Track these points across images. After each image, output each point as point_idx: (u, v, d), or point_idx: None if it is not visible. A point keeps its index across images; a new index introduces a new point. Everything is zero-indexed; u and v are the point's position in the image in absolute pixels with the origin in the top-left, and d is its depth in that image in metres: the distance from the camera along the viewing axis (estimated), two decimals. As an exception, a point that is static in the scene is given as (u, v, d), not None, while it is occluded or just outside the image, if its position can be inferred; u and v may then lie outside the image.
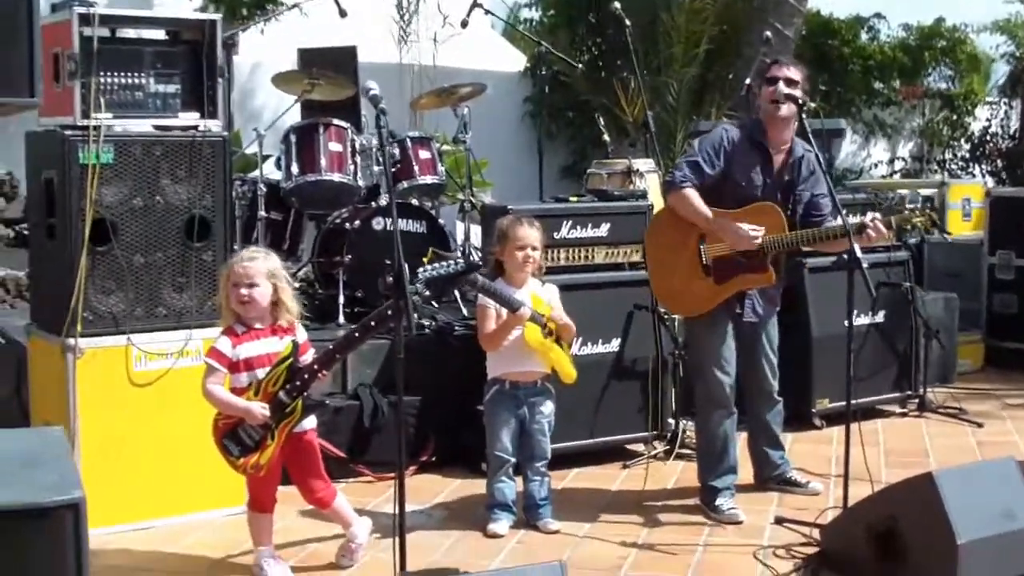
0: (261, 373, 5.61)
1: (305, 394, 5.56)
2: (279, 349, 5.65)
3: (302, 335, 5.84)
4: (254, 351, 5.66)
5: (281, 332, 5.72)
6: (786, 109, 6.56)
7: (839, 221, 6.35)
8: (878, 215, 6.52)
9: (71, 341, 6.22)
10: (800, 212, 6.68)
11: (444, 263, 5.88)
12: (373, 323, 5.46)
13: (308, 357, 5.71)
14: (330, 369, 5.70)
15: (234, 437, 5.61)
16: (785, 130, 6.66)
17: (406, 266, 4.90)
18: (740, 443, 6.99)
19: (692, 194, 6.55)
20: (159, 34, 6.71)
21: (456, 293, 8.77)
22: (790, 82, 6.56)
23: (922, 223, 6.51)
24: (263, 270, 5.64)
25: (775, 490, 7.08)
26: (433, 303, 8.46)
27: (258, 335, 5.69)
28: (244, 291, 5.61)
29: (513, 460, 6.49)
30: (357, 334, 5.57)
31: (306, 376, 5.55)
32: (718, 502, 6.71)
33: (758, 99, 6.75)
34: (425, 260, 5.41)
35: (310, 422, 5.83)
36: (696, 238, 6.65)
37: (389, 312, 5.31)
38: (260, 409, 5.51)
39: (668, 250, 6.78)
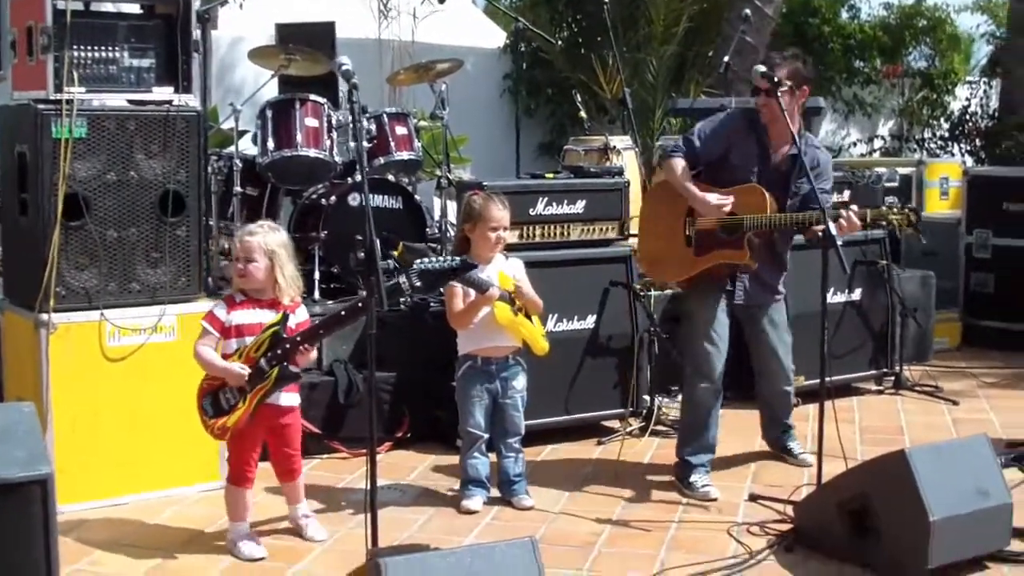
0: (249, 341, 5.70)
1: (284, 364, 5.60)
2: (269, 320, 5.74)
3: (303, 314, 5.93)
4: (247, 319, 5.76)
5: (279, 307, 5.81)
6: (768, 112, 6.60)
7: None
8: (854, 206, 6.55)
9: (44, 316, 6.19)
10: (797, 204, 6.67)
11: (439, 259, 5.89)
12: (361, 304, 5.46)
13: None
14: (313, 344, 5.73)
15: (213, 399, 5.70)
16: (781, 127, 6.58)
17: (378, 242, 4.88)
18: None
19: (678, 163, 6.69)
20: (133, 8, 6.65)
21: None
22: (768, 91, 6.51)
23: (899, 221, 6.47)
24: (261, 246, 5.75)
25: (768, 457, 7.30)
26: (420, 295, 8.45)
27: (256, 305, 5.81)
28: (240, 265, 5.76)
29: (486, 436, 6.48)
30: (344, 313, 5.57)
31: (287, 346, 5.60)
32: (692, 478, 6.72)
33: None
34: (396, 253, 5.42)
35: (293, 399, 5.91)
36: (685, 209, 6.73)
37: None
38: (239, 369, 5.60)
39: (658, 217, 6.93)
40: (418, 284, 5.57)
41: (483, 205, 6.38)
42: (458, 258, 5.95)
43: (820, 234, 6.10)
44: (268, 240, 5.77)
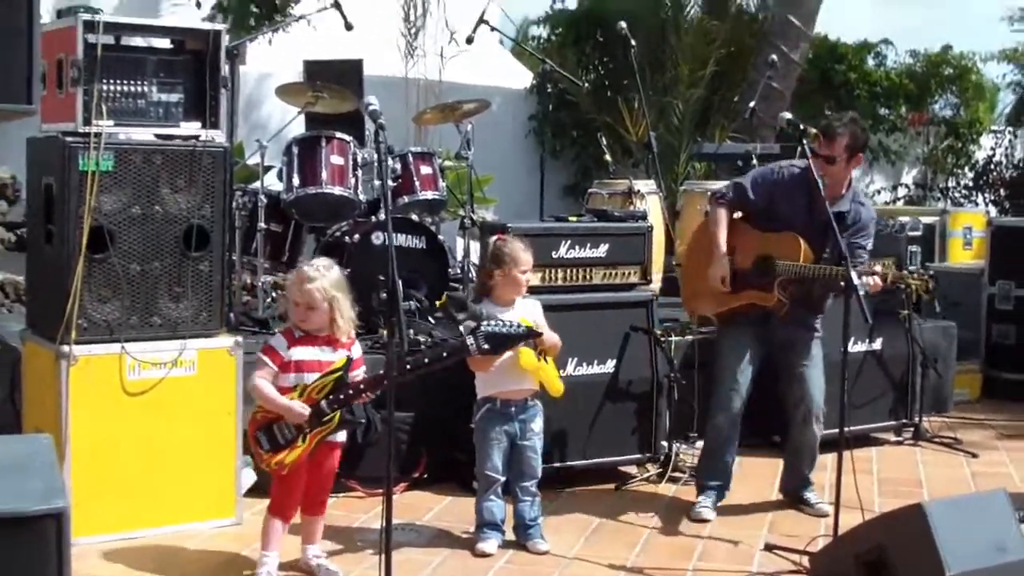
0: (309, 377, 5.76)
1: (345, 408, 5.71)
2: (331, 359, 5.83)
3: (357, 351, 5.99)
4: (307, 355, 5.81)
5: (337, 344, 5.88)
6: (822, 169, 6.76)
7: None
8: (878, 267, 6.83)
9: (65, 348, 6.20)
10: (834, 258, 6.73)
11: (505, 323, 5.96)
12: (429, 360, 5.73)
13: (359, 373, 5.89)
14: (375, 392, 5.77)
15: (268, 432, 5.74)
16: (835, 186, 6.87)
17: (400, 283, 4.90)
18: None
19: (721, 212, 7.06)
20: (163, 43, 6.71)
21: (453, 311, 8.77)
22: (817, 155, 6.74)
23: (917, 287, 6.74)
24: (320, 294, 5.79)
25: (788, 507, 7.29)
26: (429, 319, 8.45)
27: (314, 342, 5.85)
28: (303, 313, 5.82)
29: (503, 479, 6.46)
30: (410, 367, 5.63)
31: (351, 392, 5.72)
32: (698, 498, 7.05)
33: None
34: (439, 304, 5.52)
35: (341, 435, 5.96)
36: (729, 249, 7.02)
37: (446, 355, 5.79)
38: (300, 408, 5.67)
39: (700, 256, 7.23)
40: (486, 347, 5.70)
41: (514, 249, 6.42)
42: (523, 326, 6.01)
43: (843, 283, 6.11)
44: (327, 285, 5.81)
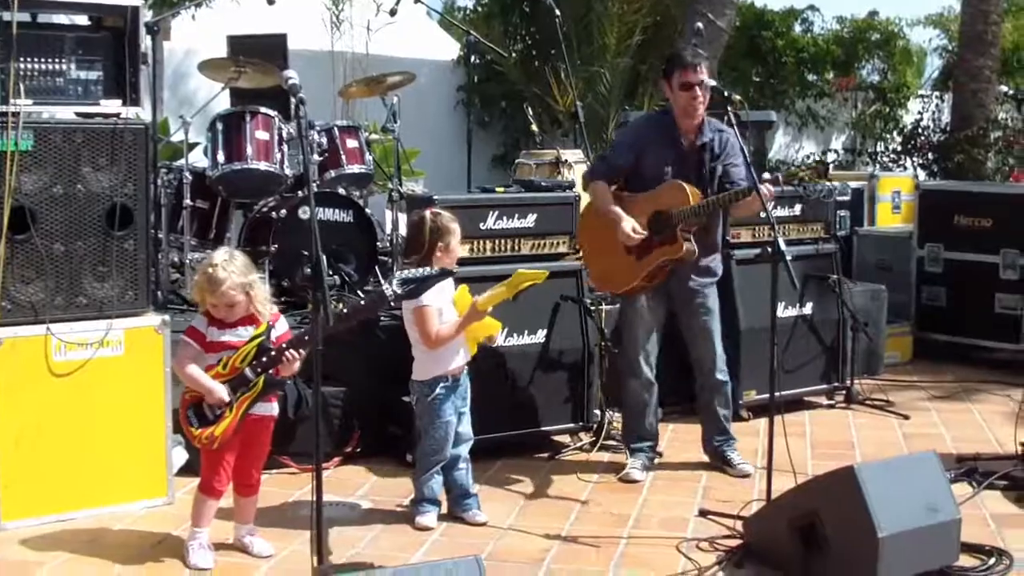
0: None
1: (269, 373, 5.68)
2: (253, 336, 5.80)
3: (283, 326, 5.94)
4: (229, 337, 5.78)
5: (259, 323, 5.84)
6: (702, 110, 6.99)
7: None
8: (767, 175, 6.97)
9: (-11, 331, 6.13)
10: (715, 187, 7.02)
11: (417, 269, 5.92)
12: (350, 312, 5.70)
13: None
14: (297, 352, 5.71)
15: (197, 409, 5.72)
16: (695, 120, 7.03)
17: (324, 257, 4.86)
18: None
19: (598, 187, 7.15)
20: (81, 20, 6.61)
21: (383, 282, 8.74)
22: (702, 85, 6.90)
23: (808, 175, 6.75)
24: (236, 289, 5.73)
25: (713, 468, 7.33)
26: (358, 292, 8.41)
27: (238, 323, 5.81)
28: (224, 311, 5.77)
29: (448, 458, 6.46)
30: (331, 323, 5.58)
31: (273, 354, 5.67)
32: (628, 461, 7.20)
33: (669, 93, 7.07)
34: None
35: (272, 408, 5.93)
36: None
37: (363, 303, 5.79)
38: (220, 393, 5.64)
39: (596, 235, 7.25)
40: (400, 292, 5.64)
41: (447, 220, 6.40)
42: (436, 268, 5.98)
43: (769, 248, 6.12)
44: (237, 279, 5.74)
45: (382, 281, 5.85)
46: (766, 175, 6.88)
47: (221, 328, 5.77)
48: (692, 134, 7.02)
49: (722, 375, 7.32)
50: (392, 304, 5.77)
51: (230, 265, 5.76)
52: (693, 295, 7.18)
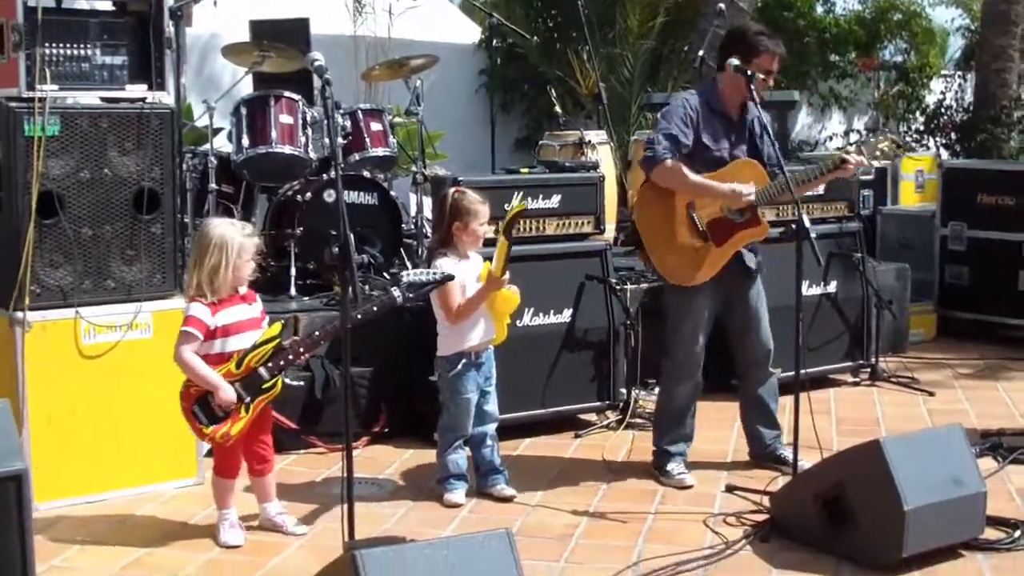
0: (235, 340, 5.75)
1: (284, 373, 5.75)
2: (252, 314, 5.85)
3: (260, 302, 6.01)
4: (231, 318, 5.78)
5: (249, 299, 5.90)
6: (734, 91, 6.67)
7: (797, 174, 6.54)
8: (851, 148, 6.72)
9: (19, 315, 6.17)
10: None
11: (423, 271, 6.05)
12: (360, 316, 5.69)
13: (265, 324, 5.90)
14: (311, 352, 5.81)
15: (204, 406, 5.70)
16: (744, 94, 6.65)
17: (352, 237, 4.89)
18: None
19: (679, 165, 6.50)
20: (106, 5, 6.67)
21: (409, 265, 8.79)
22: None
23: (888, 147, 6.60)
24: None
25: (768, 468, 6.94)
26: (384, 275, 8.45)
27: (232, 302, 5.81)
28: (234, 282, 5.78)
29: (470, 432, 6.50)
30: (348, 324, 5.64)
31: (290, 357, 5.73)
32: (669, 467, 6.78)
33: (733, 69, 6.58)
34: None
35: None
36: (684, 207, 6.64)
37: (376, 308, 5.78)
38: (227, 394, 5.63)
39: (661, 225, 6.71)
40: (410, 295, 5.73)
41: (473, 202, 6.40)
42: (440, 272, 6.09)
43: (793, 226, 6.11)
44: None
45: (399, 277, 5.89)
46: (851, 147, 6.71)
47: (220, 309, 5.75)
48: (738, 110, 6.72)
49: (768, 360, 7.00)
50: (403, 306, 5.86)
51: (246, 227, 5.86)
52: (751, 281, 6.86)
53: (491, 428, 6.55)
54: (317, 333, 5.85)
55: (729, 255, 6.67)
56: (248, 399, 5.68)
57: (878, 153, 6.58)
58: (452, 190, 6.50)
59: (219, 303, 5.75)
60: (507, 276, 6.25)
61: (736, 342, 6.98)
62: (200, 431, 5.74)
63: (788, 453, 6.75)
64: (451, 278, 6.09)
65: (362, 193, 8.65)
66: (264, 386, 5.71)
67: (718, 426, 7.63)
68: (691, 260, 6.66)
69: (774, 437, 7.07)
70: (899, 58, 18.66)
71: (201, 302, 5.73)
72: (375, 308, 5.81)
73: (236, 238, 5.75)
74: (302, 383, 7.28)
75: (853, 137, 18.02)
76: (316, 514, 6.20)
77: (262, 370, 5.69)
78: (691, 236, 6.65)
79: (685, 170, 6.50)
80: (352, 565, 4.15)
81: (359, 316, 5.71)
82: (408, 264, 8.75)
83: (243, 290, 5.86)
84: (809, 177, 6.60)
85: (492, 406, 6.54)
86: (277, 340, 5.74)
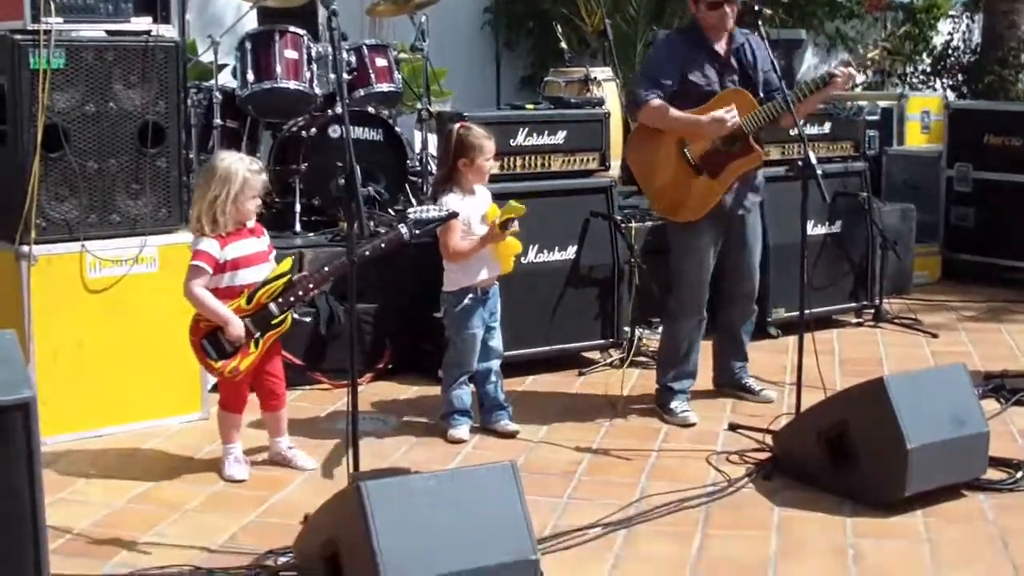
0: (244, 273, 5.76)
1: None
2: (260, 247, 5.85)
3: (267, 235, 6.01)
4: (241, 251, 5.78)
5: (257, 233, 5.89)
6: (731, 24, 6.67)
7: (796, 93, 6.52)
8: (839, 63, 6.68)
9: (24, 248, 6.17)
10: (760, 91, 6.72)
11: (429, 207, 6.07)
12: (368, 252, 5.71)
13: (273, 257, 5.92)
14: (321, 287, 5.84)
15: (213, 340, 5.72)
16: (724, 27, 6.69)
17: (358, 169, 4.88)
18: (704, 347, 7.08)
19: (662, 104, 6.54)
20: (110, -64, 6.62)
21: (413, 201, 8.79)
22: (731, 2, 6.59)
23: (878, 55, 6.74)
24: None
25: (729, 396, 7.15)
26: (389, 211, 8.44)
27: (240, 236, 5.80)
28: (243, 215, 5.77)
29: (475, 368, 6.52)
30: (355, 260, 5.64)
31: (300, 293, 5.75)
32: (672, 404, 6.80)
33: (694, 8, 6.71)
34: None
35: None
36: (675, 144, 6.66)
37: (383, 245, 5.76)
38: (237, 329, 5.65)
39: (653, 165, 6.76)
40: (416, 232, 5.74)
41: (479, 137, 6.38)
42: (447, 208, 6.08)
43: (800, 163, 6.08)
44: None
45: (405, 213, 5.88)
46: (842, 57, 6.76)
47: (229, 242, 5.75)
48: (724, 42, 6.71)
49: (753, 292, 7.08)
50: (410, 242, 5.85)
51: (255, 162, 5.87)
52: (747, 216, 6.87)
53: (496, 364, 6.56)
54: (326, 268, 5.85)
55: (726, 185, 6.68)
56: (258, 334, 5.70)
57: (868, 62, 6.70)
58: (457, 125, 6.48)
59: (228, 236, 5.75)
60: (510, 230, 6.26)
61: (724, 277, 6.99)
62: (209, 365, 5.76)
63: (752, 381, 7.18)
64: (456, 215, 6.10)
65: (367, 129, 8.62)
66: (274, 321, 5.72)
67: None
68: (688, 196, 6.69)
69: (740, 367, 7.23)
70: (906, -2, 18.54)
71: (210, 236, 5.73)
72: (382, 244, 5.80)
73: (240, 172, 5.73)
74: (307, 319, 7.30)
75: (859, 77, 17.93)
76: (320, 448, 6.24)
77: (272, 306, 5.70)
78: (685, 172, 6.67)
79: (667, 108, 6.54)
80: (357, 495, 4.17)
81: (367, 252, 5.71)
82: (413, 200, 8.75)
83: (251, 224, 5.85)
84: (798, 96, 6.52)
85: (497, 342, 6.55)
86: (288, 276, 5.74)
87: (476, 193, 6.43)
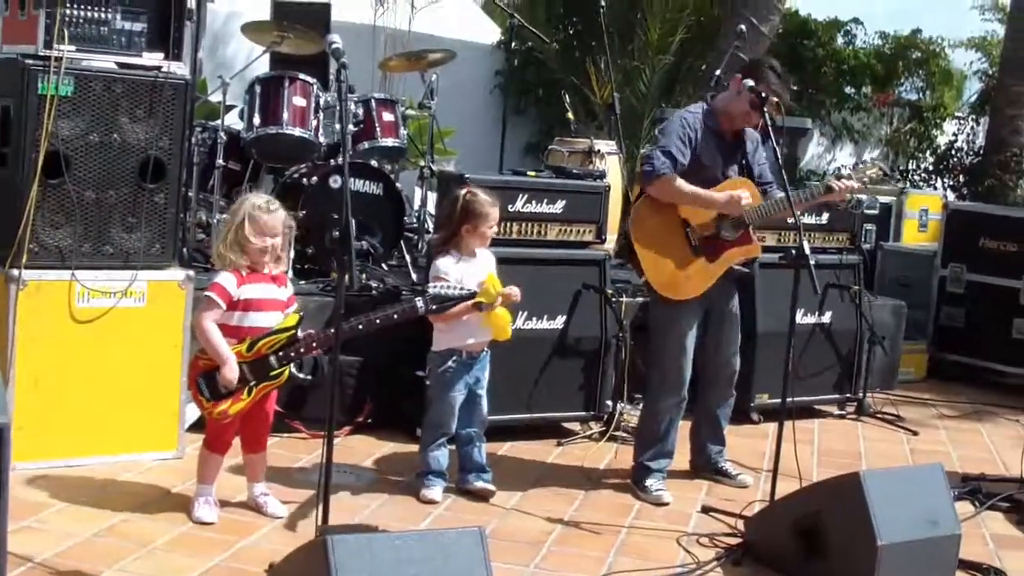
0: (254, 316, 5.75)
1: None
2: (278, 296, 5.85)
3: (291, 288, 6.02)
4: (256, 294, 5.78)
5: (279, 281, 5.90)
6: (740, 119, 6.76)
7: (795, 193, 6.56)
8: (841, 175, 6.78)
9: (15, 272, 6.17)
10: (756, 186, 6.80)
11: (450, 285, 6.03)
12: (380, 320, 5.74)
13: (292, 309, 5.90)
14: (323, 349, 5.87)
15: (209, 380, 5.70)
16: (748, 124, 6.81)
17: (353, 223, 4.90)
18: (683, 428, 7.06)
19: (677, 179, 6.57)
20: (128, -30, 6.67)
21: (407, 258, 8.80)
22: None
23: (876, 175, 6.71)
24: (282, 222, 5.82)
25: (706, 478, 7.13)
26: (383, 266, 8.45)
27: (260, 279, 5.81)
28: (269, 241, 5.75)
29: (454, 431, 6.51)
30: (361, 327, 5.66)
31: (302, 350, 5.72)
32: (647, 482, 6.78)
33: (735, 97, 6.72)
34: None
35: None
36: (679, 223, 6.70)
37: (396, 316, 5.77)
38: (231, 372, 5.62)
39: (656, 239, 6.74)
40: (433, 307, 5.75)
41: (484, 204, 6.40)
42: (468, 289, 6.05)
43: (793, 251, 6.10)
44: (285, 217, 5.84)
45: (425, 287, 5.91)
46: (843, 170, 6.87)
47: (247, 283, 5.75)
48: (733, 132, 6.79)
49: (734, 373, 7.10)
50: (424, 316, 5.87)
51: (279, 206, 5.85)
52: (729, 300, 6.94)
53: (479, 430, 6.56)
54: (333, 331, 5.83)
55: (720, 272, 6.74)
56: (252, 383, 5.68)
57: (866, 179, 6.70)
58: (464, 191, 6.48)
59: (248, 278, 5.76)
60: (485, 311, 6.27)
61: (705, 358, 7.00)
62: (200, 402, 5.76)
63: (729, 466, 7.17)
64: (474, 295, 6.08)
65: (368, 182, 8.65)
66: (271, 373, 5.71)
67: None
68: (683, 274, 6.72)
69: (718, 452, 7.21)
70: (914, 96, 18.64)
71: (234, 273, 5.75)
72: (395, 315, 5.79)
73: (245, 208, 5.78)
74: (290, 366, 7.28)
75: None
76: (291, 498, 6.19)
77: (272, 358, 5.69)
78: (684, 250, 6.71)
79: (684, 183, 6.58)
80: (323, 549, 4.16)
81: (377, 321, 5.73)
82: (407, 256, 8.76)
83: (276, 271, 5.87)
84: (800, 199, 6.61)
85: (481, 408, 6.55)
86: (293, 331, 5.72)
87: (477, 255, 6.43)
